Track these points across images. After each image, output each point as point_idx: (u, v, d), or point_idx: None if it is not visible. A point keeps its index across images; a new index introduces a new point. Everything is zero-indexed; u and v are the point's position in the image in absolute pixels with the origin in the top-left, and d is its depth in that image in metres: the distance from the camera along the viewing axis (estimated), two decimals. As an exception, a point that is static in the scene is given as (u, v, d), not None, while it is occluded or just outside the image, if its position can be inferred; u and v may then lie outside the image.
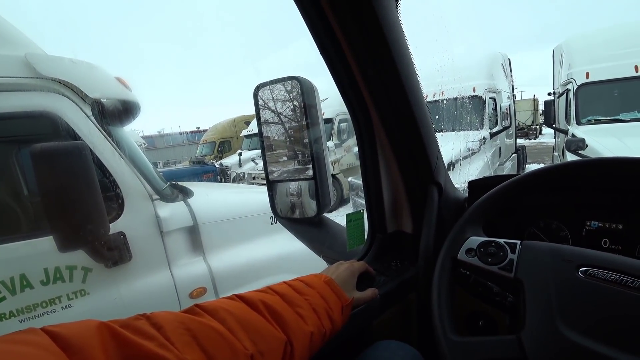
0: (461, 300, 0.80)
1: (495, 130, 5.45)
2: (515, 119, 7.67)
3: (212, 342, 0.42)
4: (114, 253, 1.36)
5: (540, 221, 0.82)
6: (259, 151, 5.52)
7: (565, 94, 4.81)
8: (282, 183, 1.02)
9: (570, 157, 3.59)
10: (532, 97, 20.85)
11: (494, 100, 5.67)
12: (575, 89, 4.31)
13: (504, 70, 6.67)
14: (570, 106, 4.48)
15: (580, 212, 0.77)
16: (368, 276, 0.82)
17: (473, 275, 0.61)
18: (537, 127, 19.73)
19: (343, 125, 7.29)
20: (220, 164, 9.40)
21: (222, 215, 1.79)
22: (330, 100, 6.04)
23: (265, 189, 1.08)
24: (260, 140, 0.98)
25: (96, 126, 1.38)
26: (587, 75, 4.25)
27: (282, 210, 1.05)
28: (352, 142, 7.05)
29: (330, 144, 6.96)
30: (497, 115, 5.71)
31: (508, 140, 6.64)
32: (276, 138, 0.98)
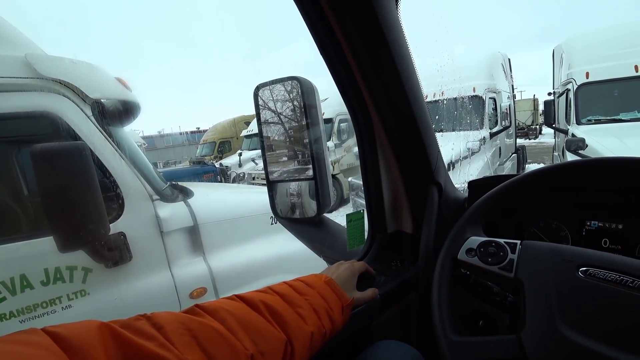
0: (461, 300, 0.80)
1: (495, 130, 5.45)
2: (515, 119, 7.67)
3: (213, 343, 0.42)
4: (114, 253, 1.36)
5: (540, 221, 0.82)
6: (259, 151, 5.52)
7: (565, 94, 4.81)
8: (282, 183, 1.02)
9: (570, 157, 3.59)
10: (532, 97, 20.86)
11: (494, 100, 5.67)
12: (575, 88, 4.31)
13: (504, 70, 6.67)
14: (570, 106, 4.48)
15: (580, 212, 0.77)
16: (368, 276, 0.82)
17: (473, 275, 0.61)
18: (537, 127, 19.74)
19: (343, 125, 7.29)
20: (220, 164, 9.40)
21: (222, 216, 1.79)
22: (330, 100, 6.04)
23: (265, 189, 1.08)
24: (260, 141, 0.98)
25: (96, 126, 1.38)
26: (587, 75, 4.25)
27: (282, 210, 1.05)
28: (352, 142, 7.05)
29: (330, 144, 6.96)
30: (497, 115, 5.71)
31: (508, 140, 6.64)
32: (276, 138, 0.98)
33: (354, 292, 0.72)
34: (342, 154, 7.19)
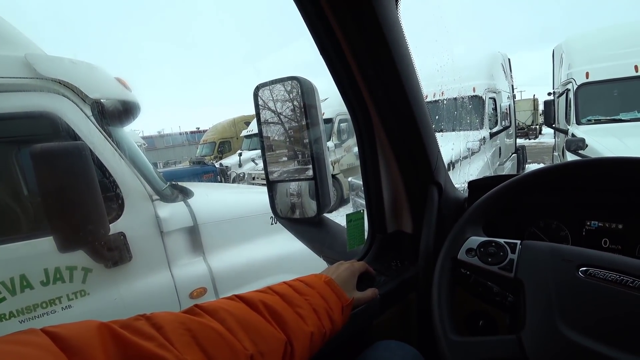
0: (461, 300, 0.80)
1: (495, 130, 5.45)
2: (515, 119, 7.68)
3: (212, 343, 0.42)
4: (114, 253, 1.36)
5: (540, 221, 0.82)
6: (259, 151, 5.52)
7: (565, 94, 4.81)
8: (282, 183, 1.02)
9: (570, 157, 3.59)
10: (532, 97, 20.86)
11: (494, 100, 5.68)
12: (575, 88, 4.31)
13: (503, 70, 6.67)
14: (570, 106, 4.48)
15: (580, 212, 0.77)
16: (368, 276, 0.82)
17: (473, 275, 0.61)
18: (537, 127, 19.74)
19: (343, 125, 7.29)
20: (220, 164, 9.41)
21: (222, 216, 1.79)
22: (330, 100, 6.04)
23: (265, 189, 1.08)
24: (260, 141, 0.98)
25: (96, 126, 1.38)
26: (587, 75, 4.25)
27: (282, 210, 1.05)
28: (352, 142, 7.05)
29: (330, 144, 6.96)
30: (497, 115, 5.72)
31: (508, 140, 6.65)
32: (276, 138, 0.97)
33: (353, 292, 0.72)
34: (342, 154, 7.19)
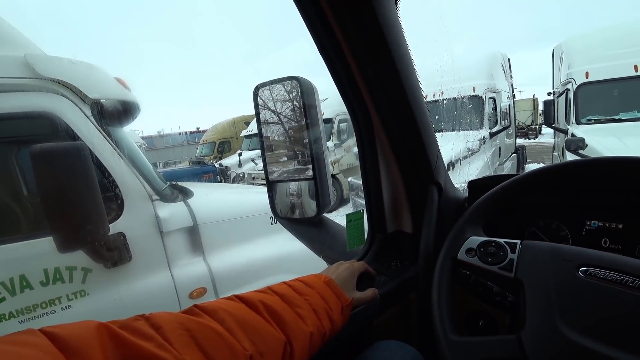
0: (461, 300, 0.80)
1: (494, 130, 5.45)
2: (514, 119, 7.68)
3: (211, 343, 0.42)
4: (113, 254, 1.36)
5: (540, 221, 0.82)
6: (258, 151, 5.52)
7: (565, 94, 4.81)
8: (282, 183, 1.02)
9: (570, 156, 3.59)
10: (532, 97, 20.88)
11: (494, 100, 5.68)
12: (574, 88, 4.31)
13: (503, 70, 6.67)
14: (569, 106, 4.48)
15: (580, 211, 0.77)
16: (368, 276, 0.82)
17: (473, 275, 0.61)
18: (537, 126, 19.74)
19: (343, 125, 7.30)
20: (220, 164, 9.41)
21: (222, 216, 1.78)
22: (330, 100, 6.04)
23: (265, 189, 1.08)
24: (260, 141, 0.98)
25: (96, 126, 1.38)
26: (587, 74, 4.25)
27: (282, 210, 1.05)
28: (351, 142, 7.05)
29: (330, 144, 6.96)
30: (496, 115, 5.72)
31: (508, 140, 6.65)
32: (276, 138, 0.97)
33: (353, 292, 0.72)
34: (341, 154, 7.19)
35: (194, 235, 1.64)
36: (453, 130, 4.77)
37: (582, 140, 3.48)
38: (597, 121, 4.09)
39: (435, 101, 4.84)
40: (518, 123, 14.94)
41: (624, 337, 0.43)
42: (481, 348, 0.50)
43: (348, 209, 5.52)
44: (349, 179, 5.17)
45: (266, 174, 1.01)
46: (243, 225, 1.86)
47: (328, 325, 0.59)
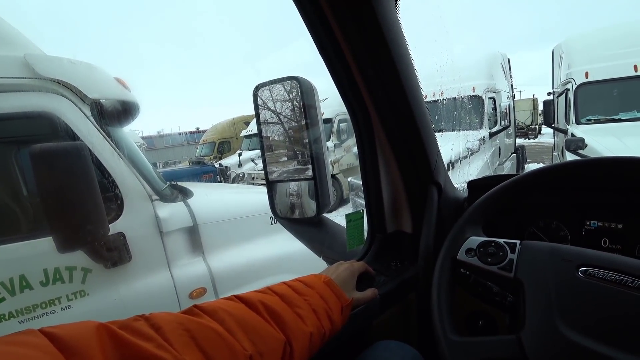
0: (461, 300, 0.80)
1: (494, 130, 5.45)
2: (514, 119, 7.68)
3: (211, 343, 0.42)
4: (113, 254, 1.36)
5: (540, 221, 0.82)
6: (258, 151, 5.52)
7: (564, 94, 4.81)
8: (282, 183, 1.02)
9: (570, 156, 3.59)
10: (532, 97, 20.88)
11: (494, 100, 5.68)
12: (574, 88, 4.31)
13: (503, 70, 6.68)
14: (569, 106, 4.48)
15: (579, 211, 0.77)
16: (368, 276, 0.82)
17: (473, 275, 0.61)
18: (537, 126, 19.75)
19: (342, 125, 7.30)
20: (220, 165, 9.40)
21: (222, 216, 1.78)
22: (330, 100, 6.04)
23: (264, 189, 1.08)
24: (260, 141, 0.98)
25: (95, 127, 1.38)
26: (587, 74, 4.25)
27: (281, 210, 1.05)
28: (351, 142, 7.05)
29: (329, 144, 6.96)
30: (496, 115, 5.72)
31: (507, 139, 6.65)
32: (276, 138, 0.97)
33: (353, 292, 0.72)
34: (341, 154, 7.19)
35: (193, 236, 1.64)
36: (453, 130, 4.78)
37: (582, 140, 3.48)
38: (597, 121, 4.09)
39: (435, 101, 4.84)
40: (518, 123, 14.94)
41: (623, 337, 0.43)
42: (481, 348, 0.50)
43: (348, 209, 5.52)
44: (349, 178, 5.17)
45: (266, 174, 1.01)
46: (243, 225, 1.86)
47: (328, 326, 0.59)
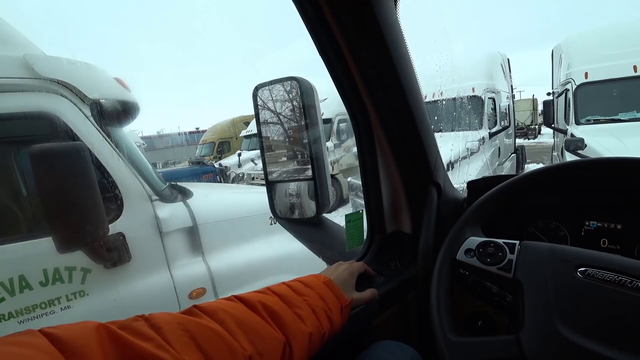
0: (460, 301, 0.80)
1: (494, 130, 5.45)
2: (514, 119, 7.68)
3: (211, 343, 0.42)
4: (113, 254, 1.36)
5: (539, 221, 0.82)
6: (258, 152, 5.52)
7: (564, 94, 4.81)
8: (282, 183, 1.02)
9: (570, 157, 3.59)
10: (531, 97, 20.91)
11: (493, 100, 5.68)
12: (574, 88, 4.31)
13: (503, 70, 6.68)
14: (569, 106, 4.49)
15: (579, 212, 0.77)
16: (367, 276, 0.82)
17: (472, 275, 0.61)
18: (536, 127, 19.77)
19: (342, 125, 7.29)
20: (220, 165, 9.39)
21: (222, 216, 1.78)
22: (330, 101, 6.04)
23: (264, 189, 1.08)
24: (260, 141, 0.98)
25: (95, 127, 1.38)
26: (586, 75, 4.25)
27: (281, 210, 1.05)
28: (351, 142, 7.05)
29: (329, 144, 6.96)
30: (496, 115, 5.73)
31: (507, 140, 6.66)
32: (275, 138, 0.97)
33: (352, 292, 0.72)
34: (341, 154, 7.19)
35: (193, 236, 1.63)
36: (452, 130, 4.78)
37: (582, 140, 3.48)
38: (597, 121, 4.09)
39: (435, 101, 4.84)
40: (517, 123, 14.95)
41: (622, 338, 0.43)
42: (480, 348, 0.50)
43: (347, 209, 5.52)
44: (349, 179, 5.17)
45: (265, 174, 1.01)
46: (242, 225, 1.86)
47: (327, 326, 0.59)
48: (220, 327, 0.45)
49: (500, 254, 0.58)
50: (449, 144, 3.95)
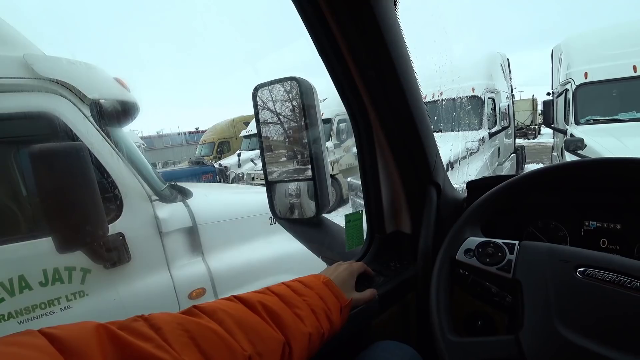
0: (460, 301, 0.80)
1: (494, 130, 5.46)
2: (514, 119, 7.69)
3: (210, 344, 0.42)
4: (112, 254, 1.36)
5: (538, 221, 0.82)
6: (258, 152, 5.52)
7: (564, 94, 4.82)
8: (281, 184, 1.02)
9: (569, 157, 3.59)
10: (531, 97, 20.92)
11: (493, 100, 5.68)
12: (574, 88, 4.31)
13: (502, 70, 6.68)
14: (569, 106, 4.49)
15: (578, 212, 0.77)
16: (367, 277, 0.82)
17: (471, 275, 0.61)
18: (536, 127, 19.77)
19: (342, 125, 7.30)
20: (220, 165, 9.39)
21: (221, 216, 1.78)
22: (329, 101, 6.05)
23: (264, 189, 1.07)
24: (259, 141, 0.98)
25: (95, 127, 1.38)
26: (586, 75, 4.26)
27: (281, 210, 1.05)
28: (351, 142, 7.05)
29: (329, 144, 6.96)
30: (495, 115, 5.73)
31: (507, 140, 6.66)
32: (275, 138, 0.97)
33: (352, 292, 0.72)
34: (341, 154, 7.19)
35: (193, 236, 1.63)
36: (452, 130, 4.78)
37: (581, 140, 3.48)
38: (596, 121, 4.09)
39: (434, 102, 4.84)
40: (517, 123, 14.96)
41: (621, 338, 0.43)
42: (479, 348, 0.50)
43: (347, 209, 5.52)
44: (348, 179, 5.17)
45: (265, 174, 1.01)
46: (242, 225, 1.86)
47: (327, 326, 0.59)
48: (220, 327, 0.45)
49: (499, 254, 0.58)
50: (448, 144, 3.95)
